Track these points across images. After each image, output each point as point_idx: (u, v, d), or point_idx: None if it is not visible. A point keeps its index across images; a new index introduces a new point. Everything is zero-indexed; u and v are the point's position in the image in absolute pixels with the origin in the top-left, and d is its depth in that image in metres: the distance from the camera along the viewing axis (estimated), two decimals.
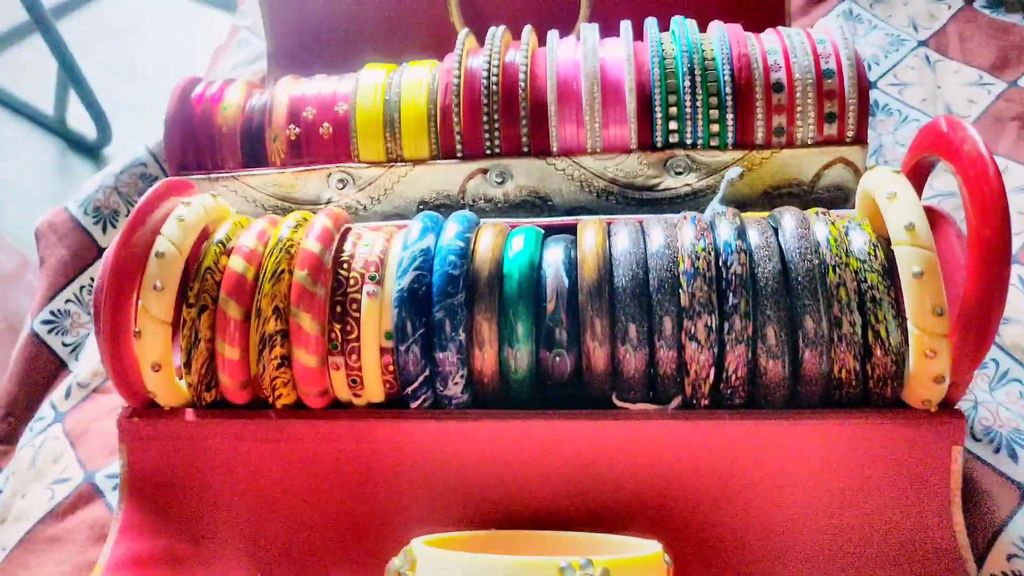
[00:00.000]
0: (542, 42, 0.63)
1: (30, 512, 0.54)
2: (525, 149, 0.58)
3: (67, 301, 0.67)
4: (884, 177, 0.46)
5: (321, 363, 0.48)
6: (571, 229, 0.52)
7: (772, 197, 0.58)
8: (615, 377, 0.48)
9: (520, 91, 0.57)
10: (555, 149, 0.58)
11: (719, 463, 0.48)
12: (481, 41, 0.62)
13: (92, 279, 0.67)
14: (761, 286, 0.46)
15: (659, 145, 0.57)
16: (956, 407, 0.46)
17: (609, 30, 0.63)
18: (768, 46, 0.57)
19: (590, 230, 0.50)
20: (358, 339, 0.48)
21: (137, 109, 1.68)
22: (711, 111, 0.56)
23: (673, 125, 0.56)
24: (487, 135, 0.58)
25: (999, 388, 0.53)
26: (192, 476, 0.50)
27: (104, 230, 0.70)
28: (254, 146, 0.61)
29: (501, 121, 0.58)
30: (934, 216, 0.47)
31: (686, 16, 0.62)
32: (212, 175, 0.60)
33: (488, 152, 0.58)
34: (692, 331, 0.46)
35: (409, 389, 0.48)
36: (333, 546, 0.49)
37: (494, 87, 0.57)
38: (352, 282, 0.48)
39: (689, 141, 0.57)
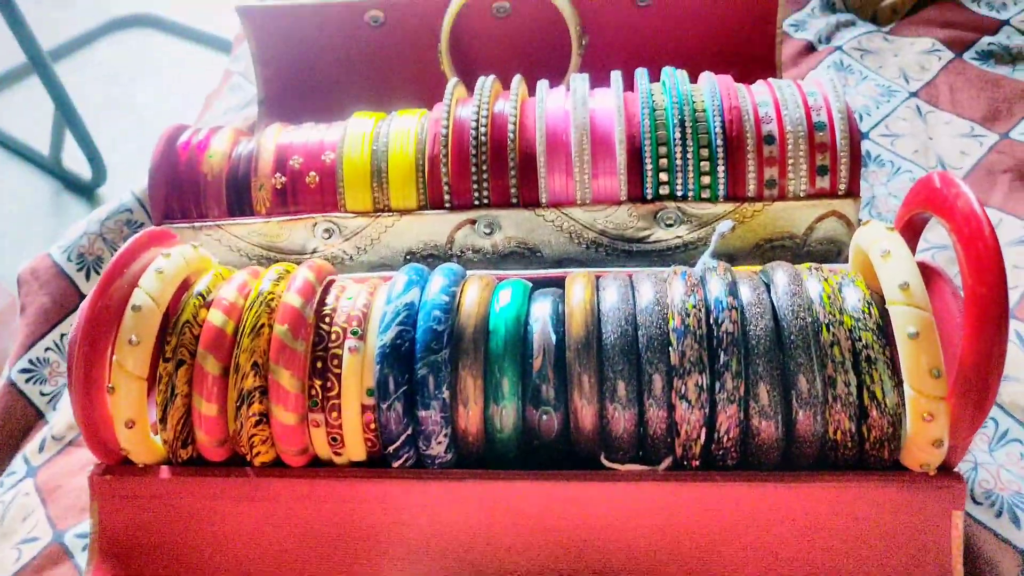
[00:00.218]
0: (532, 92, 0.62)
1: None
2: (514, 200, 0.58)
3: (47, 349, 0.66)
4: (877, 234, 0.45)
5: (300, 421, 0.46)
6: (560, 282, 0.51)
7: (764, 250, 0.58)
8: (603, 436, 0.46)
9: (509, 142, 0.57)
10: (544, 200, 0.57)
11: (711, 526, 0.46)
12: (470, 90, 0.62)
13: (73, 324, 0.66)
14: (753, 344, 0.45)
15: (649, 197, 0.56)
16: (956, 470, 0.45)
17: (600, 80, 0.62)
18: (759, 98, 0.57)
19: (578, 284, 0.48)
20: (339, 396, 0.46)
21: (132, 150, 1.68)
22: (702, 163, 0.55)
23: (664, 177, 0.56)
24: (475, 185, 0.57)
25: (999, 449, 0.52)
26: (165, 536, 0.49)
27: (87, 277, 0.69)
28: (239, 194, 0.60)
29: (490, 172, 0.57)
30: (928, 273, 0.46)
31: (676, 66, 0.62)
32: (196, 223, 0.59)
33: (476, 203, 0.57)
34: (682, 390, 0.44)
35: (391, 448, 0.47)
36: None
37: (483, 137, 0.57)
38: (334, 336, 0.47)
39: (680, 193, 0.56)
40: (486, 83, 0.60)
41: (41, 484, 0.56)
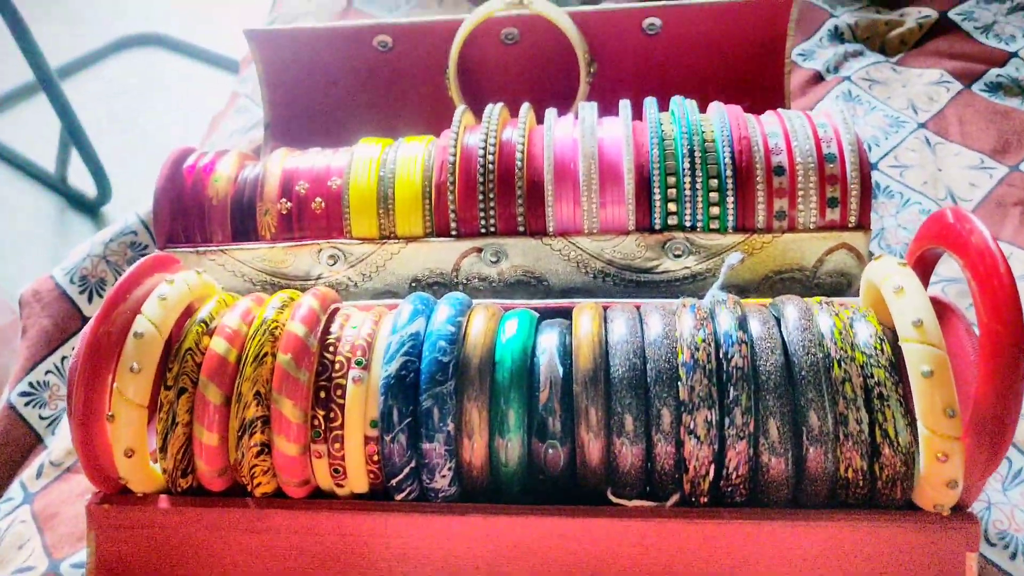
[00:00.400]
0: (540, 119, 0.62)
1: None
2: (521, 228, 0.57)
3: (47, 372, 0.65)
4: (890, 269, 0.44)
5: (303, 452, 0.46)
6: (567, 312, 0.51)
7: (773, 282, 0.57)
8: (611, 471, 0.46)
9: (516, 170, 0.57)
10: (551, 229, 0.57)
11: (719, 564, 0.45)
12: (478, 117, 0.62)
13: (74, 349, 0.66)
14: (763, 380, 0.44)
15: (658, 227, 0.56)
16: (970, 511, 0.44)
17: (608, 107, 0.62)
18: (769, 128, 0.57)
19: (586, 316, 0.48)
20: (342, 427, 0.46)
21: (138, 169, 1.68)
22: (711, 193, 0.55)
23: (672, 207, 0.55)
24: (482, 213, 0.57)
25: (1013, 488, 0.51)
26: (164, 567, 0.48)
27: (90, 299, 0.68)
28: (244, 219, 0.59)
29: (497, 200, 0.56)
30: (941, 308, 0.46)
31: (684, 94, 0.62)
32: (200, 248, 0.59)
33: (483, 231, 0.57)
34: (691, 426, 0.44)
35: (394, 481, 0.46)
36: None
37: (490, 165, 0.56)
38: (338, 366, 0.47)
39: (688, 224, 0.56)
40: (494, 111, 0.60)
41: (38, 511, 0.55)
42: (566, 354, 0.47)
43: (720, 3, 0.70)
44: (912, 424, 0.43)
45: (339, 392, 0.46)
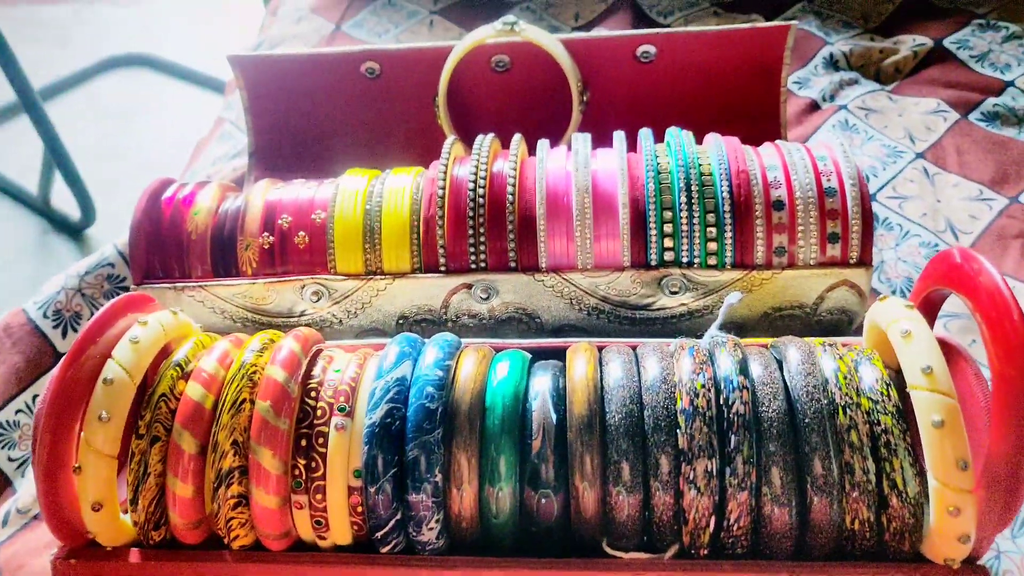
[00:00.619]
0: (532, 149, 0.60)
1: None
2: (512, 264, 0.55)
3: (17, 411, 0.62)
4: (896, 312, 0.42)
5: (282, 504, 0.43)
6: (560, 352, 0.49)
7: (772, 319, 0.55)
8: (606, 522, 0.43)
9: (508, 203, 0.55)
10: (544, 265, 0.55)
11: None
12: (469, 146, 0.60)
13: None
14: (765, 427, 0.42)
15: (653, 263, 0.54)
16: (981, 563, 0.42)
17: (601, 136, 0.61)
18: (767, 161, 0.55)
19: (580, 358, 0.46)
20: (324, 477, 0.43)
21: (124, 192, 1.66)
22: (708, 229, 0.53)
23: (668, 243, 0.54)
24: (472, 248, 0.55)
25: (1023, 536, 0.49)
26: None
27: (64, 334, 0.66)
28: (225, 254, 0.57)
29: (487, 234, 0.55)
30: (949, 351, 0.44)
31: (679, 124, 0.60)
32: (178, 284, 0.57)
33: (473, 266, 0.55)
34: (691, 476, 0.42)
35: (379, 533, 0.44)
36: None
37: (480, 199, 0.55)
38: (320, 413, 0.44)
39: (685, 260, 0.54)
40: (484, 141, 0.58)
41: (3, 563, 0.53)
42: (560, 399, 0.45)
43: (715, 31, 0.69)
44: (921, 474, 0.41)
45: (321, 440, 0.44)
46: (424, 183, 0.57)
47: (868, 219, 0.53)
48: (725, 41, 0.70)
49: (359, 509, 0.44)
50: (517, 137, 0.59)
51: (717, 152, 0.55)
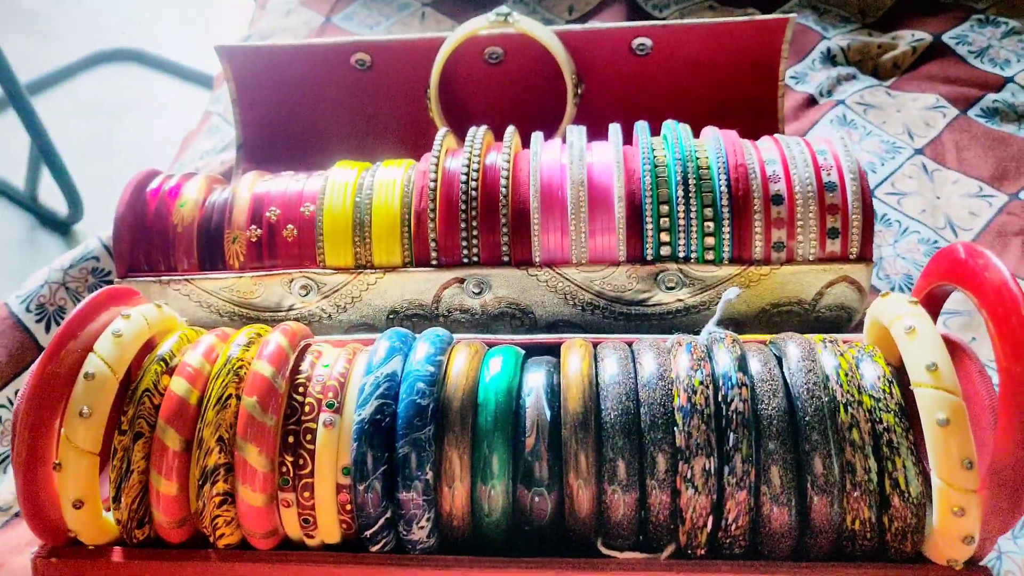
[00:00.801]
0: (526, 143, 0.59)
1: None
2: (505, 258, 0.54)
3: None
4: (900, 308, 0.41)
5: (269, 501, 0.42)
6: (554, 348, 0.48)
7: (770, 315, 0.54)
8: (601, 521, 0.42)
9: (501, 196, 0.54)
10: (537, 259, 0.54)
11: None
12: (461, 139, 0.59)
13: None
14: (764, 425, 0.41)
15: (649, 258, 0.53)
16: (983, 564, 0.41)
17: (596, 130, 0.60)
18: (766, 155, 0.54)
19: (575, 354, 0.45)
20: (312, 474, 0.42)
21: (112, 186, 1.64)
22: (706, 223, 0.52)
23: (665, 237, 0.53)
24: (464, 242, 0.54)
25: None
26: None
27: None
28: (211, 247, 0.56)
29: (480, 228, 0.53)
30: (952, 348, 0.43)
31: (674, 117, 0.59)
32: (164, 277, 0.55)
33: (465, 260, 0.54)
34: (688, 474, 0.41)
35: (368, 532, 0.42)
36: None
37: (473, 191, 0.53)
38: (308, 409, 0.43)
39: (682, 255, 0.53)
40: (477, 133, 0.57)
41: None
42: (554, 395, 0.44)
43: (712, 23, 0.68)
44: (923, 473, 0.40)
45: (309, 437, 0.43)
46: (415, 176, 0.56)
47: (869, 214, 0.52)
48: (722, 34, 0.69)
49: (348, 507, 0.43)
50: (511, 129, 0.58)
51: (715, 145, 0.54)
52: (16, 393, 0.62)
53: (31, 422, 0.40)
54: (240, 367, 0.43)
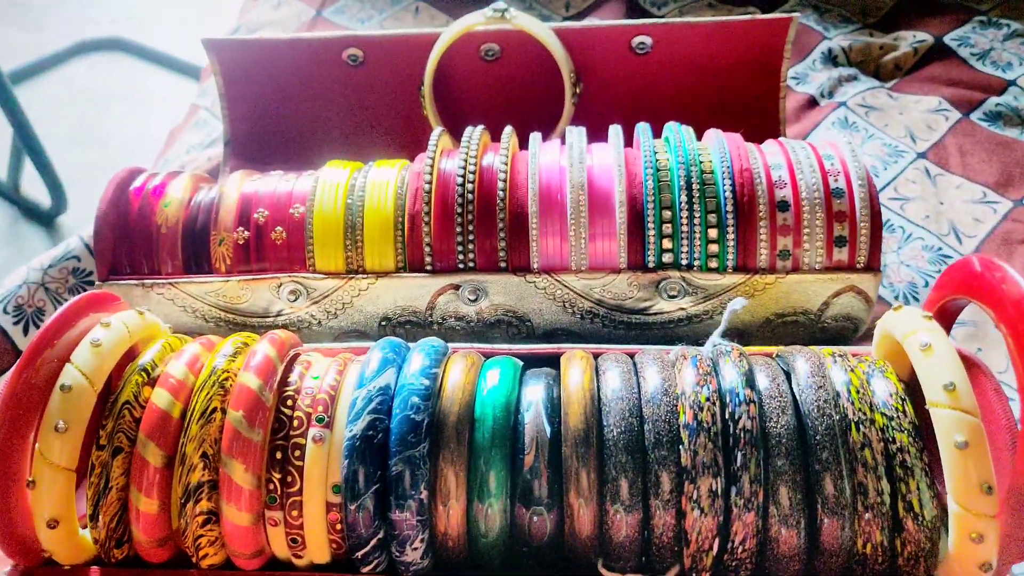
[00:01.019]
0: (523, 143, 0.57)
1: None
2: (502, 264, 0.52)
3: None
4: (914, 323, 0.40)
5: (255, 521, 0.40)
6: (553, 359, 0.46)
7: (775, 326, 0.53)
8: (602, 542, 0.41)
9: (498, 199, 0.52)
10: (536, 265, 0.52)
11: None
12: (456, 138, 0.57)
13: None
14: (773, 444, 0.40)
15: (651, 265, 0.51)
16: None
17: (594, 130, 0.58)
18: (771, 160, 0.53)
19: (575, 367, 0.43)
20: (300, 492, 0.40)
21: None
22: (710, 230, 0.50)
23: (667, 244, 0.51)
24: (460, 247, 0.52)
25: None
26: None
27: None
28: (197, 249, 0.54)
29: (476, 232, 0.52)
30: (966, 364, 0.41)
31: (674, 118, 0.58)
32: (147, 280, 0.53)
33: (461, 266, 0.52)
34: (694, 495, 0.39)
35: (359, 553, 0.41)
36: None
37: (469, 194, 0.52)
38: (296, 423, 0.41)
39: (685, 262, 0.51)
40: (474, 134, 0.55)
41: None
42: (554, 410, 0.42)
43: (714, 22, 0.66)
44: (938, 496, 0.38)
45: (297, 453, 0.41)
46: (409, 177, 0.54)
47: (877, 222, 0.50)
48: (724, 33, 0.67)
49: (338, 527, 0.41)
50: (508, 130, 0.56)
51: (719, 149, 0.52)
52: None
53: (3, 437, 0.38)
54: (226, 379, 0.41)
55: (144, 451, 0.40)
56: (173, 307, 0.53)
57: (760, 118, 0.69)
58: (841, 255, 0.51)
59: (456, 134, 0.58)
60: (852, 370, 0.42)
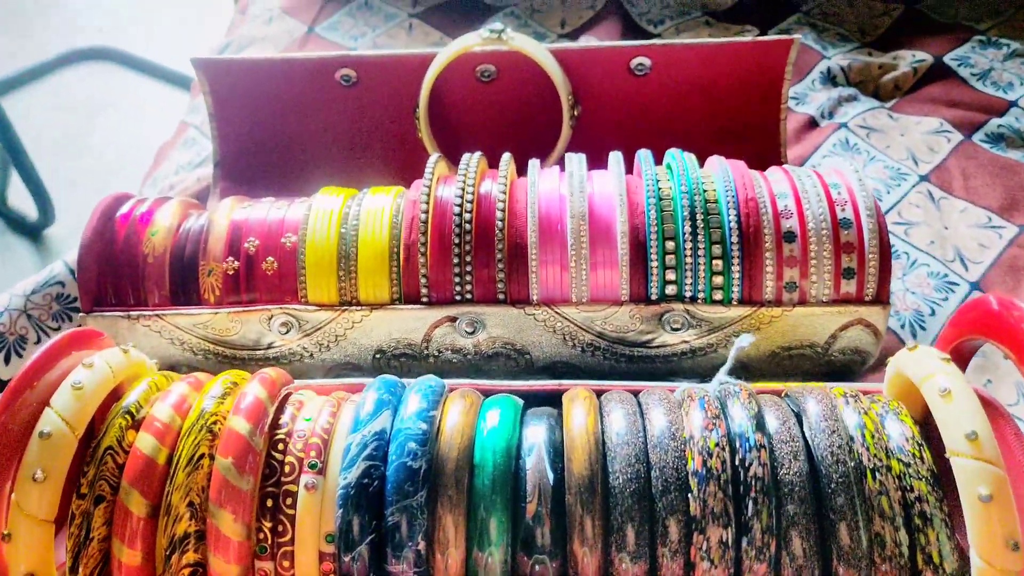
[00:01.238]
0: (521, 168, 0.56)
1: None
2: (500, 295, 0.51)
3: None
4: (931, 365, 0.38)
5: (244, 573, 0.38)
6: (554, 396, 0.45)
7: (781, 359, 0.51)
8: None
9: (497, 229, 0.50)
10: (535, 297, 0.50)
11: None
12: (453, 161, 0.55)
13: None
14: (786, 492, 0.38)
15: (654, 297, 0.50)
16: None
17: (592, 153, 0.56)
18: (777, 188, 0.51)
19: (578, 408, 0.41)
20: (292, 542, 0.39)
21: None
22: (714, 261, 0.49)
23: (671, 275, 0.49)
24: (457, 278, 0.50)
25: None
26: None
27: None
28: (185, 279, 0.52)
29: (474, 262, 0.50)
30: (985, 408, 0.40)
31: (674, 140, 0.56)
32: (132, 312, 0.51)
33: (458, 297, 0.50)
34: (704, 546, 0.37)
35: None
36: None
37: (467, 223, 0.50)
38: (288, 469, 0.40)
39: (688, 294, 0.50)
40: (471, 160, 0.53)
41: None
42: (557, 455, 0.40)
43: (714, 43, 0.65)
44: (959, 548, 0.37)
45: (289, 501, 0.39)
46: (405, 205, 0.52)
47: (886, 253, 0.49)
48: (724, 55, 0.66)
49: None
50: (507, 157, 0.54)
51: (723, 177, 0.51)
52: None
53: None
54: (214, 422, 0.40)
55: (127, 500, 0.38)
56: (160, 339, 0.52)
57: (761, 140, 0.68)
58: (849, 287, 0.49)
59: (451, 156, 0.56)
60: (865, 412, 0.40)
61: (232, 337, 0.52)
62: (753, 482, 0.38)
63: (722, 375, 0.45)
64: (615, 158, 0.54)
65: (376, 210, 0.52)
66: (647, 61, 0.66)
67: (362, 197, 0.54)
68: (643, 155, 0.54)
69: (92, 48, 1.95)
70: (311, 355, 0.52)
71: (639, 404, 0.43)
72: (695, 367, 0.52)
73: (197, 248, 0.52)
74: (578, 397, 0.43)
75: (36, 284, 0.63)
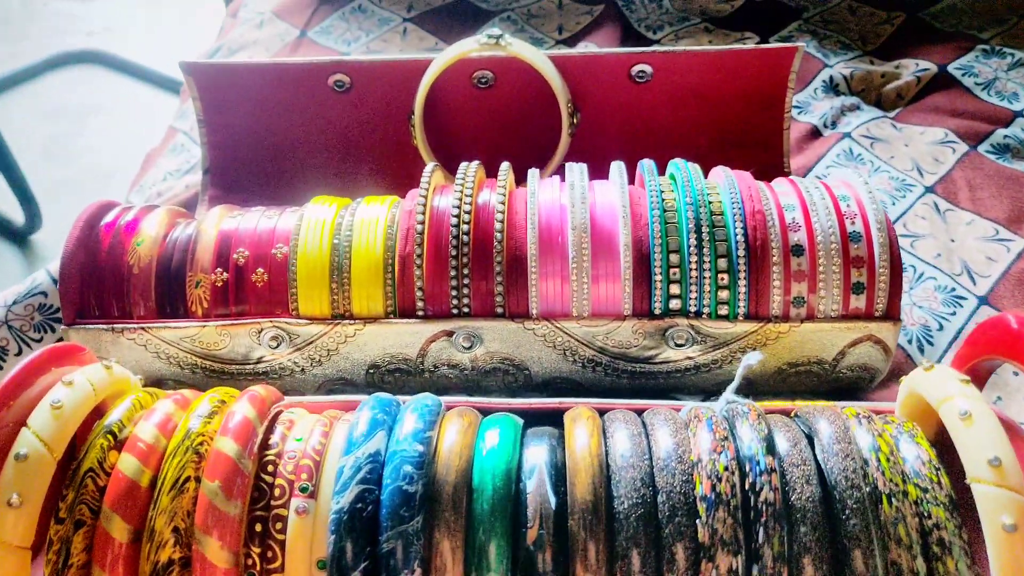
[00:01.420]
0: (519, 176, 0.54)
1: None
2: (499, 309, 0.49)
3: None
4: (950, 387, 0.37)
5: None
6: (554, 414, 0.43)
7: (787, 375, 0.50)
8: None
9: (495, 241, 0.49)
10: (534, 311, 0.49)
11: None
12: (449, 169, 0.54)
13: None
14: (798, 518, 0.36)
15: (658, 312, 0.48)
16: None
17: (592, 162, 0.55)
18: (784, 200, 0.50)
19: (581, 428, 0.40)
20: (282, 568, 0.37)
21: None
22: (720, 275, 0.48)
23: (675, 290, 0.48)
24: (454, 291, 0.48)
25: None
26: None
27: None
28: (171, 291, 0.50)
29: (472, 275, 0.48)
30: (1006, 432, 0.39)
31: (674, 148, 0.55)
32: (116, 325, 0.49)
33: (455, 311, 0.49)
34: (713, 574, 0.36)
35: None
36: None
37: (464, 235, 0.48)
38: (278, 492, 0.38)
39: (693, 309, 0.48)
40: (469, 169, 0.52)
41: None
42: (559, 477, 0.38)
43: (716, 51, 0.64)
44: None
45: (279, 526, 0.37)
46: (400, 215, 0.50)
47: (897, 268, 0.48)
48: (726, 62, 0.64)
49: None
50: (505, 166, 0.53)
51: (729, 189, 0.50)
52: None
53: None
54: (201, 443, 0.38)
55: (108, 525, 0.36)
56: (145, 353, 0.50)
57: (763, 150, 0.67)
58: (859, 302, 0.48)
59: (447, 164, 0.55)
60: (879, 434, 0.39)
61: (220, 351, 0.50)
62: (764, 508, 0.36)
63: (729, 394, 0.43)
64: (617, 168, 0.52)
65: (370, 220, 0.50)
66: (648, 68, 0.65)
67: (356, 207, 0.52)
68: (646, 165, 0.53)
69: (81, 51, 1.93)
70: (302, 370, 0.50)
71: (644, 424, 0.41)
72: (699, 384, 0.50)
73: (184, 258, 0.50)
74: (580, 416, 0.41)
75: (18, 294, 0.61)
